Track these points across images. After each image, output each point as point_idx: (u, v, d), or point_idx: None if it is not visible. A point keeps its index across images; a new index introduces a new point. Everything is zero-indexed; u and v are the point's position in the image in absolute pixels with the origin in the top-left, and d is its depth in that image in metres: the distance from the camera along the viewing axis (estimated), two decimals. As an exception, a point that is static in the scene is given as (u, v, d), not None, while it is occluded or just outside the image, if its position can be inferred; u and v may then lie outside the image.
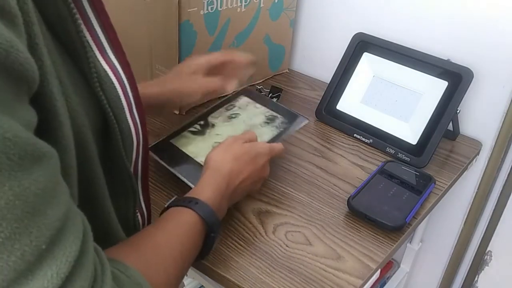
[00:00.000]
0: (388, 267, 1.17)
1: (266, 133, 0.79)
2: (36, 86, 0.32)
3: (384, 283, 1.13)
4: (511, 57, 0.86)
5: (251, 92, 0.89)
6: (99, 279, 0.35)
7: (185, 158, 0.75)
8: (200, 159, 0.73)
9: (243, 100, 0.86)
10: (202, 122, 0.82)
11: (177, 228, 0.52)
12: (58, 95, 0.35)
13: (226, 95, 0.86)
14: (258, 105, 0.85)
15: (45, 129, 0.34)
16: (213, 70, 0.77)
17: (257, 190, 0.72)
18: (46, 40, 0.36)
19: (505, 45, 0.85)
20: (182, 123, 0.81)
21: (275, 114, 0.82)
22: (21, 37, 0.30)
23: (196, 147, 0.77)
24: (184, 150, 0.76)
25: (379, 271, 0.65)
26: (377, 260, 0.64)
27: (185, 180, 0.71)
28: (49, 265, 0.30)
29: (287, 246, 0.65)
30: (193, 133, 0.80)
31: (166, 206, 0.57)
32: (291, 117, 0.81)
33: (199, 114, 0.83)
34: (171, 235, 0.51)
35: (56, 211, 0.31)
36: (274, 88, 1.02)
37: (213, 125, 0.81)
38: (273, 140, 0.77)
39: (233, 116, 0.82)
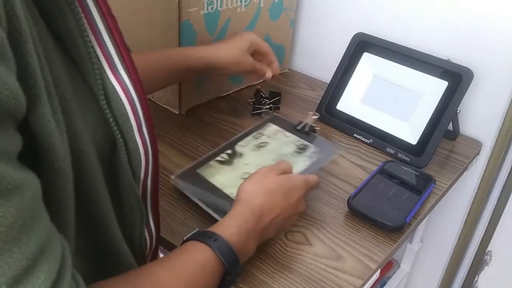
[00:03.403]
0: (388, 267, 1.17)
1: (298, 163, 0.75)
2: (22, 111, 0.30)
3: (384, 283, 1.13)
4: (511, 57, 0.85)
5: (279, 119, 0.85)
6: None
7: (212, 190, 0.71)
8: (229, 191, 0.70)
9: (271, 128, 0.84)
10: (229, 151, 0.78)
11: (187, 265, 0.48)
12: (53, 115, 0.34)
13: (255, 126, 0.84)
14: (288, 134, 0.81)
15: (36, 150, 0.33)
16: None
17: (292, 225, 0.67)
18: (52, 56, 0.35)
19: (505, 45, 0.85)
20: (209, 152, 0.78)
21: (306, 143, 0.79)
22: (5, 61, 0.28)
23: (224, 178, 0.72)
24: (211, 180, 0.72)
25: (379, 271, 0.65)
26: (377, 260, 0.64)
27: (212, 213, 0.67)
28: None
29: (287, 246, 0.65)
30: (221, 162, 0.76)
31: (184, 239, 0.53)
32: (323, 146, 0.77)
33: (227, 142, 0.80)
34: (177, 273, 0.47)
35: (25, 249, 0.29)
36: (272, 93, 1.00)
37: (241, 154, 0.77)
38: (306, 171, 0.72)
39: (262, 145, 0.79)
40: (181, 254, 0.50)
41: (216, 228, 0.54)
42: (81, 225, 0.40)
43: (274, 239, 0.66)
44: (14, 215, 0.28)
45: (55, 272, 0.31)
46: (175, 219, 0.69)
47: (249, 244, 0.56)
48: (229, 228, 0.54)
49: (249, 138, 0.81)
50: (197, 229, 0.55)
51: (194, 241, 0.51)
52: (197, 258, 0.49)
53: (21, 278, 0.29)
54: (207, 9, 0.87)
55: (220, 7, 0.89)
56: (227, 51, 0.84)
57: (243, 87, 1.05)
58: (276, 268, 0.62)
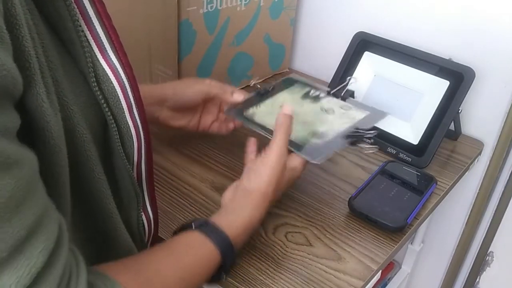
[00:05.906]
0: (389, 268, 1.16)
1: (337, 123, 0.74)
2: (19, 90, 0.32)
3: (385, 284, 1.13)
4: (513, 56, 0.85)
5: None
6: None
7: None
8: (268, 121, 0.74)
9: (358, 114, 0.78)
10: (311, 91, 0.84)
11: (190, 258, 0.51)
12: (47, 95, 0.35)
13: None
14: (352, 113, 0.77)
15: (33, 129, 0.35)
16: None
17: None
18: (44, 40, 0.37)
19: (507, 44, 0.85)
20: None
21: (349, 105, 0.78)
22: (3, 43, 0.30)
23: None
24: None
25: (380, 272, 0.65)
26: (378, 261, 0.64)
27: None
28: (9, 275, 0.30)
29: (287, 247, 0.65)
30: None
31: (193, 227, 0.55)
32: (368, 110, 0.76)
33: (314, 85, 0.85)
34: (180, 266, 0.49)
35: (23, 220, 0.31)
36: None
37: (319, 99, 0.82)
38: (345, 132, 0.71)
39: (326, 110, 0.79)
40: (186, 246, 0.52)
41: (227, 227, 0.55)
42: (79, 204, 0.42)
43: (274, 239, 0.66)
44: (13, 188, 0.30)
45: (53, 242, 0.33)
46: (174, 220, 0.68)
47: (245, 236, 0.59)
48: (237, 228, 0.56)
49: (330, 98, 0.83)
50: (204, 218, 0.57)
51: (200, 234, 0.53)
52: (200, 251, 0.52)
53: (20, 248, 0.30)
54: (206, 8, 0.86)
55: (220, 6, 0.88)
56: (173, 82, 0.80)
57: (242, 86, 1.05)
58: (276, 269, 0.61)
